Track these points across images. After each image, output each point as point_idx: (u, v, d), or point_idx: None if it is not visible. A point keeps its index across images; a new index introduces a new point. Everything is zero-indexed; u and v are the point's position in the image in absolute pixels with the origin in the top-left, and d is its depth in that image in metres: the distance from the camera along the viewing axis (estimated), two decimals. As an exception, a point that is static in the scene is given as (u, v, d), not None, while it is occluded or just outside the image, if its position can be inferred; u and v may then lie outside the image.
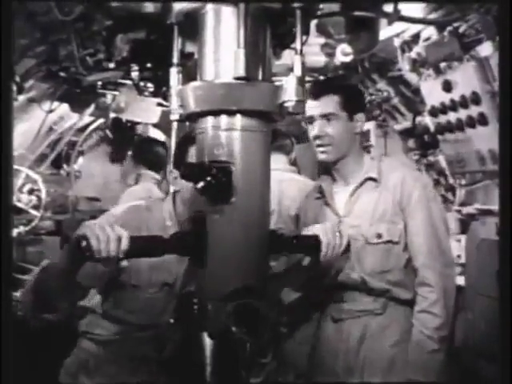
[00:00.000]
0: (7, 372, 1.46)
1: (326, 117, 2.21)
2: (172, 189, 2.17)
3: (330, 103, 2.21)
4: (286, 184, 3.46)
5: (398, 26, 3.25)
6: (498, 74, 2.63)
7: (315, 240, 1.76)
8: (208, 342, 1.56)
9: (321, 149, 2.25)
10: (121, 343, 2.13)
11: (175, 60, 1.67)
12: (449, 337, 2.14)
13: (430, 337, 2.09)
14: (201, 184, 1.49)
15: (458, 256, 3.24)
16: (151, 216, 2.11)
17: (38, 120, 4.45)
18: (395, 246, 2.16)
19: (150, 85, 3.95)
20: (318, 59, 3.53)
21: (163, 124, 5.13)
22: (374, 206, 2.19)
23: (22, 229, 4.49)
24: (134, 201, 2.30)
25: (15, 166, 4.15)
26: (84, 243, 1.55)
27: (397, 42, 3.39)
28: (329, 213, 2.28)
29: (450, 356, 2.15)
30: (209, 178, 1.48)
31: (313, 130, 2.24)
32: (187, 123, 1.76)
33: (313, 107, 2.22)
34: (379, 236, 2.16)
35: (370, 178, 2.23)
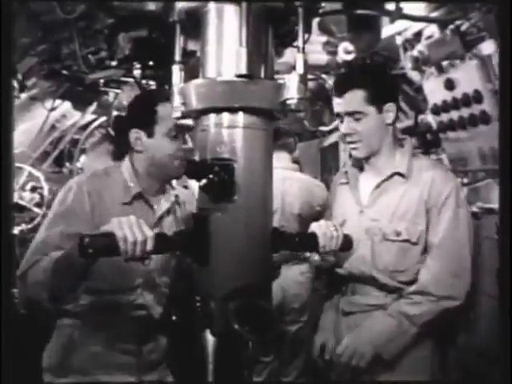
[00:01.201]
0: (7, 372, 1.46)
1: (352, 114, 2.11)
2: (136, 148, 2.12)
3: (354, 100, 2.10)
4: (289, 182, 3.48)
5: (400, 24, 3.24)
6: (499, 74, 2.63)
7: (313, 236, 1.83)
8: (210, 340, 1.56)
9: (352, 145, 2.17)
10: (101, 310, 2.07)
11: (177, 58, 1.67)
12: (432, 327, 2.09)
13: (409, 319, 2.05)
14: (203, 182, 1.49)
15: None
16: (111, 179, 2.11)
17: (41, 118, 4.47)
18: (413, 247, 2.10)
19: (152, 83, 3.95)
20: (320, 57, 3.53)
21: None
22: (398, 202, 2.12)
23: (24, 226, 4.50)
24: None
25: (17, 164, 4.16)
26: (109, 240, 1.53)
27: (399, 40, 3.39)
28: (351, 201, 2.23)
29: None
30: (211, 176, 1.48)
31: (341, 127, 2.17)
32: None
33: (338, 104, 2.14)
34: (398, 234, 2.10)
35: (398, 173, 2.15)
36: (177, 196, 2.26)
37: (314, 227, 1.88)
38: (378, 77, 2.22)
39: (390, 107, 2.13)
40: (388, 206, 2.13)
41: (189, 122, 1.99)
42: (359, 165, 2.28)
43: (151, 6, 2.54)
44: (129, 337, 2.11)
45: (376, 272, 2.13)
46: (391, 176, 2.16)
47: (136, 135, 2.09)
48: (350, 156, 2.30)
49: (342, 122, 2.17)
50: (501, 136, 1.70)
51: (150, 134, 2.07)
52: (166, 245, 1.65)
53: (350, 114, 2.11)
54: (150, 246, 1.54)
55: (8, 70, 1.61)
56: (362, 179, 2.25)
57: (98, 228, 1.75)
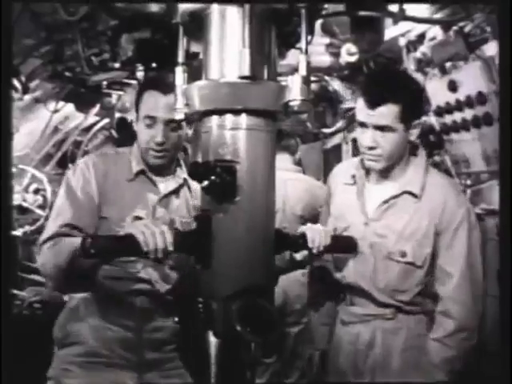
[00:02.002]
0: (7, 371, 1.46)
1: (381, 128, 2.01)
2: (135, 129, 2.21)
3: (387, 114, 1.99)
4: (291, 184, 3.48)
5: (404, 26, 3.24)
6: (498, 74, 2.62)
7: (303, 236, 1.90)
8: (213, 341, 1.56)
9: (371, 157, 2.07)
10: (102, 282, 2.10)
11: (180, 59, 1.67)
12: (460, 371, 2.05)
13: (438, 367, 2.02)
14: (205, 183, 1.49)
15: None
16: (118, 158, 2.21)
17: (44, 120, 4.47)
18: (417, 270, 2.06)
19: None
20: (322, 59, 3.53)
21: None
22: (407, 222, 2.07)
23: (27, 228, 4.51)
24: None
25: (21, 166, 4.17)
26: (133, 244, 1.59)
27: (402, 42, 3.39)
28: (356, 207, 2.17)
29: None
30: (213, 177, 1.48)
31: (364, 139, 2.06)
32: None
33: (368, 115, 2.02)
34: (403, 255, 2.06)
35: (410, 192, 2.08)
36: (186, 179, 2.26)
37: (305, 228, 1.94)
38: (414, 94, 2.12)
39: (417, 125, 2.07)
40: (396, 224, 2.08)
41: (168, 115, 2.03)
42: (365, 169, 2.21)
43: (154, 8, 2.55)
44: (130, 311, 2.12)
45: (375, 290, 2.11)
46: (402, 193, 2.10)
47: (133, 117, 2.21)
48: (354, 155, 2.27)
49: (363, 130, 2.07)
50: (501, 137, 1.70)
51: (137, 119, 2.17)
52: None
53: (378, 127, 2.01)
54: (169, 237, 1.60)
55: (8, 70, 1.61)
56: (369, 186, 2.19)
57: (102, 202, 2.06)
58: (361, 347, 2.15)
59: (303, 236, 1.90)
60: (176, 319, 1.69)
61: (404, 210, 2.09)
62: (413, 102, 2.06)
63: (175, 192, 2.22)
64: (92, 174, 2.11)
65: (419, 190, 2.08)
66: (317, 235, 1.90)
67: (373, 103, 2.00)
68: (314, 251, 1.91)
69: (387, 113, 1.99)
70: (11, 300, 1.71)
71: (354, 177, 2.22)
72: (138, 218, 2.06)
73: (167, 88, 2.07)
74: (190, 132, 2.27)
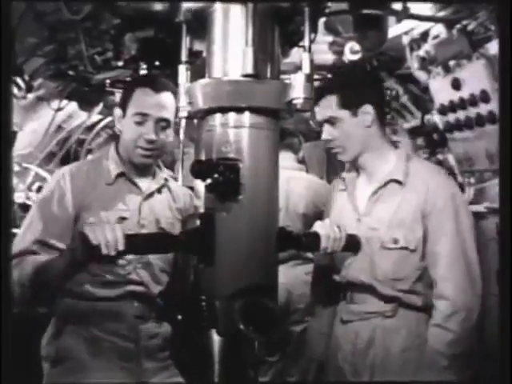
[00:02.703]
0: (7, 370, 1.46)
1: (328, 121, 2.12)
2: (117, 128, 2.19)
3: (327, 106, 2.11)
4: (294, 182, 3.47)
5: (407, 24, 3.23)
6: (498, 74, 2.61)
7: (315, 236, 1.86)
8: (216, 339, 1.56)
9: (333, 151, 2.17)
10: (91, 289, 2.08)
11: (184, 57, 1.67)
12: (464, 355, 2.02)
13: (440, 353, 2.00)
14: (208, 181, 1.49)
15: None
16: (95, 165, 2.18)
17: (47, 118, 4.48)
18: (411, 255, 2.07)
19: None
20: (326, 57, 3.52)
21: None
22: (395, 209, 2.09)
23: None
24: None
25: (24, 164, 4.17)
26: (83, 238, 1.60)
27: (405, 40, 3.37)
28: (348, 208, 2.21)
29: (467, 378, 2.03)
30: (216, 175, 1.48)
31: (322, 135, 2.17)
32: (195, 120, 1.78)
33: (316, 112, 2.16)
34: (395, 241, 2.07)
35: (395, 180, 2.11)
36: (166, 179, 2.26)
37: (318, 227, 1.91)
38: (349, 80, 2.21)
39: (366, 110, 2.11)
40: (385, 214, 2.11)
41: (160, 114, 2.04)
42: (355, 170, 2.25)
43: (157, 7, 2.55)
44: (122, 319, 2.09)
45: (375, 282, 2.10)
46: (388, 183, 2.13)
47: (117, 114, 2.15)
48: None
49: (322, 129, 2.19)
50: (501, 136, 1.69)
51: (124, 115, 2.12)
52: (171, 244, 1.66)
53: (326, 120, 2.13)
54: (121, 246, 1.59)
55: (8, 70, 1.61)
56: (358, 185, 2.23)
57: (81, 210, 2.02)
58: (360, 346, 2.14)
59: (315, 235, 1.87)
60: (179, 317, 1.69)
61: (391, 198, 2.12)
62: (350, 88, 2.13)
63: (157, 192, 2.21)
64: (68, 186, 2.07)
65: (403, 176, 2.10)
66: (332, 235, 1.89)
67: (317, 99, 2.09)
68: (328, 251, 1.91)
69: (326, 104, 2.10)
70: (12, 298, 1.71)
71: (344, 179, 2.27)
72: (123, 220, 2.06)
73: (159, 86, 2.08)
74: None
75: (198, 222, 2.22)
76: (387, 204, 2.11)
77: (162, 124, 2.09)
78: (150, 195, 2.18)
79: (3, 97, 1.55)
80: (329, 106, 2.10)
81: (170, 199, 2.25)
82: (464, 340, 2.01)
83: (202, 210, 1.71)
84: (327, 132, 2.14)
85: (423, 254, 2.08)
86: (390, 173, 2.13)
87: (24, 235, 2.01)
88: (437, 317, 2.04)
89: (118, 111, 2.15)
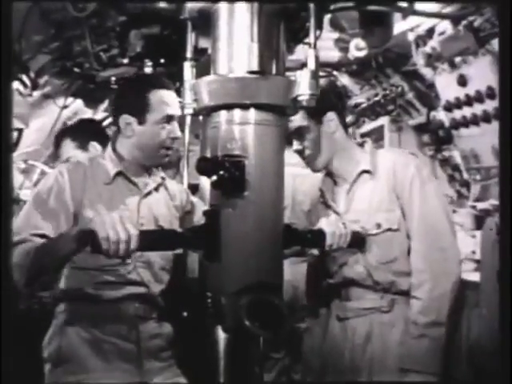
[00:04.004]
0: (7, 369, 1.46)
1: (296, 132, 2.21)
2: (126, 133, 2.15)
3: (295, 118, 2.17)
4: (300, 179, 3.47)
5: (413, 21, 3.22)
6: (498, 74, 2.60)
7: (321, 233, 1.89)
8: (221, 336, 1.57)
9: (305, 161, 2.28)
10: (90, 290, 2.07)
11: (189, 54, 1.67)
12: (437, 324, 2.06)
13: (413, 321, 2.07)
14: (214, 178, 1.49)
15: (473, 252, 3.21)
16: (93, 164, 2.17)
17: (53, 116, 4.48)
18: (396, 234, 2.14)
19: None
20: (331, 54, 3.52)
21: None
22: (370, 196, 2.18)
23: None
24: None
25: (31, 162, 4.19)
26: (93, 239, 1.56)
27: (411, 37, 3.37)
28: (330, 214, 2.26)
29: (446, 347, 2.06)
30: (222, 172, 1.48)
31: (293, 147, 2.27)
32: (200, 117, 1.78)
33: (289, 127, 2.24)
34: (378, 226, 2.14)
35: (364, 171, 2.21)
36: (163, 177, 2.28)
37: (323, 224, 1.94)
38: None
39: (329, 117, 2.23)
40: (362, 204, 2.19)
41: (179, 111, 2.06)
42: (328, 174, 2.34)
43: (162, 4, 2.55)
44: (124, 319, 2.09)
45: (371, 269, 2.15)
46: (358, 176, 2.22)
47: (127, 121, 2.11)
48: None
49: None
50: (501, 135, 1.69)
51: (142, 122, 2.10)
52: (177, 241, 1.66)
53: (294, 132, 2.22)
54: (134, 244, 1.56)
55: (8, 69, 1.61)
56: (337, 190, 2.31)
57: (81, 209, 2.00)
58: (358, 342, 2.16)
59: (321, 232, 1.89)
60: (185, 314, 1.70)
61: (364, 188, 2.21)
62: None
63: (155, 190, 2.22)
64: (67, 181, 2.06)
65: (371, 166, 2.21)
66: (337, 231, 1.93)
67: None
68: (334, 247, 1.94)
69: (295, 117, 2.16)
70: (16, 296, 1.71)
71: (321, 191, 2.36)
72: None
73: (166, 84, 2.12)
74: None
75: (195, 220, 2.28)
76: (361, 194, 2.21)
77: (178, 120, 2.14)
78: (148, 193, 2.19)
79: (4, 97, 1.56)
80: (294, 119, 2.18)
81: (167, 197, 2.26)
82: (433, 308, 2.06)
83: (206, 207, 1.71)
84: (296, 143, 2.25)
85: (407, 233, 2.16)
86: (358, 167, 2.23)
87: (21, 229, 1.95)
88: (411, 288, 2.11)
89: (127, 118, 2.11)
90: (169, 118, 2.09)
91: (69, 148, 3.23)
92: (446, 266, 2.10)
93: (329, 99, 2.27)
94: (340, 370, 2.20)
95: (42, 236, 1.94)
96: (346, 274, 2.20)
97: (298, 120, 2.19)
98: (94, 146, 3.14)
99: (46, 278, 1.96)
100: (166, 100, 2.09)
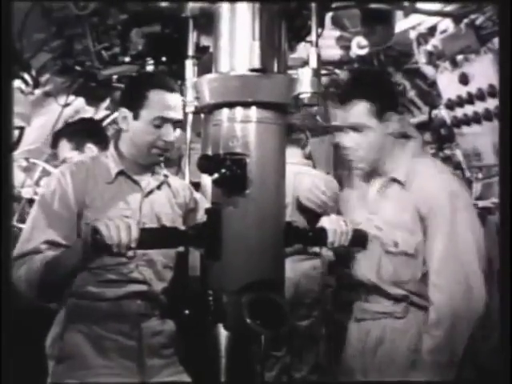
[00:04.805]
0: (7, 368, 1.46)
1: (354, 127, 2.05)
2: (122, 127, 2.16)
3: (355, 112, 2.03)
4: (301, 177, 3.47)
5: (414, 19, 3.22)
6: (499, 74, 2.59)
7: (322, 231, 1.86)
8: (223, 334, 1.57)
9: (351, 158, 2.11)
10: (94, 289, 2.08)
11: (190, 52, 1.67)
12: (449, 364, 1.94)
13: (424, 359, 1.96)
14: (215, 176, 1.49)
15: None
16: (95, 164, 2.17)
17: (55, 114, 4.48)
18: (411, 260, 2.02)
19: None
20: (333, 52, 3.52)
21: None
22: (396, 210, 2.05)
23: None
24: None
25: (32, 160, 4.18)
26: (95, 234, 1.59)
27: (413, 35, 3.36)
28: (359, 206, 2.20)
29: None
30: (223, 170, 1.48)
31: (342, 141, 2.09)
32: (202, 115, 1.78)
33: (340, 116, 2.08)
34: (395, 244, 2.03)
35: (396, 180, 2.08)
36: (166, 175, 2.27)
37: (324, 222, 1.90)
38: (383, 87, 2.16)
39: (390, 116, 2.06)
40: (388, 214, 2.07)
41: (178, 116, 2.05)
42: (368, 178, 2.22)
43: (164, 2, 2.55)
44: (126, 317, 2.09)
45: (382, 283, 2.09)
46: (390, 181, 2.10)
47: (123, 115, 2.12)
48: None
49: (340, 133, 2.10)
50: (501, 133, 1.69)
51: (136, 117, 2.09)
52: (179, 239, 1.66)
53: (351, 126, 2.05)
54: (134, 232, 1.59)
55: (9, 68, 1.62)
56: (370, 183, 2.20)
57: (83, 209, 2.02)
58: (369, 345, 2.13)
59: (322, 230, 1.87)
60: (187, 312, 1.70)
61: (392, 199, 2.08)
62: (383, 96, 2.08)
63: (157, 189, 2.21)
64: (69, 183, 2.06)
65: (404, 176, 2.06)
66: (338, 229, 1.89)
67: (342, 103, 2.05)
68: (335, 245, 1.90)
69: (357, 110, 2.02)
70: (12, 296, 1.71)
71: (356, 179, 2.26)
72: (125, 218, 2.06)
73: (172, 86, 2.08)
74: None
75: (199, 217, 2.28)
76: (389, 204, 2.09)
77: (177, 125, 2.12)
78: (150, 192, 2.18)
79: (5, 95, 1.56)
80: (358, 113, 2.02)
81: (170, 195, 2.25)
82: (449, 348, 1.94)
83: (208, 205, 1.71)
84: (351, 139, 2.06)
85: (424, 259, 2.02)
86: (392, 171, 2.09)
87: (31, 234, 1.99)
88: (429, 322, 1.98)
89: (124, 112, 2.12)
90: (163, 120, 2.06)
91: (65, 149, 3.23)
92: (470, 305, 1.94)
93: (395, 98, 2.15)
94: (352, 371, 2.18)
95: (52, 243, 1.96)
96: (360, 278, 2.16)
97: (361, 116, 2.02)
98: (91, 148, 3.14)
99: (57, 289, 1.97)
100: (165, 102, 2.07)
